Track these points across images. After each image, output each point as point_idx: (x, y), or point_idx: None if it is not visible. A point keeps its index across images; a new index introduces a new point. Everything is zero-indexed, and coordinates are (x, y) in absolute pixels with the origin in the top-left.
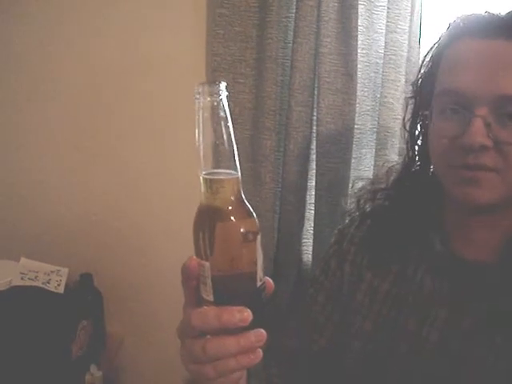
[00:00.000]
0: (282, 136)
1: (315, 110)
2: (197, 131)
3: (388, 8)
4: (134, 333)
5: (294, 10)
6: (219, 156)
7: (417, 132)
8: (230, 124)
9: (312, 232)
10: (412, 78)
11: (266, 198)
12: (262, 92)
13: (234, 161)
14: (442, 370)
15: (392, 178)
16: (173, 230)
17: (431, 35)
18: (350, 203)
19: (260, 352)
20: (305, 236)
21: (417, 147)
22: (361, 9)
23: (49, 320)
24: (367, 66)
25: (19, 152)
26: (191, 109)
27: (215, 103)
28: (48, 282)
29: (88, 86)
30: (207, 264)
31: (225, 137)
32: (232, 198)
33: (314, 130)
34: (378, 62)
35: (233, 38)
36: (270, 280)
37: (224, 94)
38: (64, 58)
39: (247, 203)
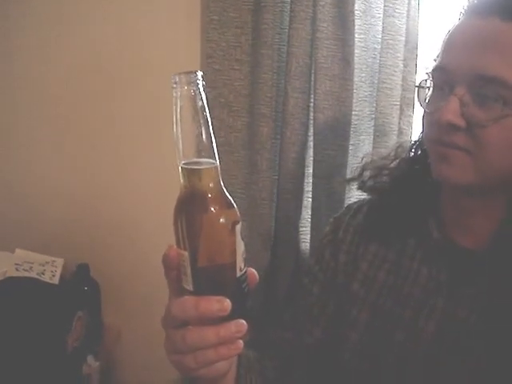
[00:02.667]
0: (278, 123)
1: (312, 96)
2: (174, 121)
3: None
4: (132, 323)
5: None
6: (198, 146)
7: None
8: (207, 113)
9: (310, 220)
10: (409, 62)
11: (262, 186)
12: (258, 78)
13: (213, 150)
14: (439, 360)
15: (402, 156)
16: (170, 221)
17: (430, 19)
18: (355, 171)
19: (240, 343)
20: (302, 224)
21: None
22: None
23: (44, 311)
24: (364, 51)
25: (15, 145)
26: None
27: (192, 92)
28: (43, 273)
29: (86, 81)
30: (186, 254)
31: (203, 126)
32: (211, 188)
33: (311, 117)
34: (375, 47)
35: (228, 24)
36: (254, 271)
37: (201, 83)
38: (63, 56)
39: (226, 192)
